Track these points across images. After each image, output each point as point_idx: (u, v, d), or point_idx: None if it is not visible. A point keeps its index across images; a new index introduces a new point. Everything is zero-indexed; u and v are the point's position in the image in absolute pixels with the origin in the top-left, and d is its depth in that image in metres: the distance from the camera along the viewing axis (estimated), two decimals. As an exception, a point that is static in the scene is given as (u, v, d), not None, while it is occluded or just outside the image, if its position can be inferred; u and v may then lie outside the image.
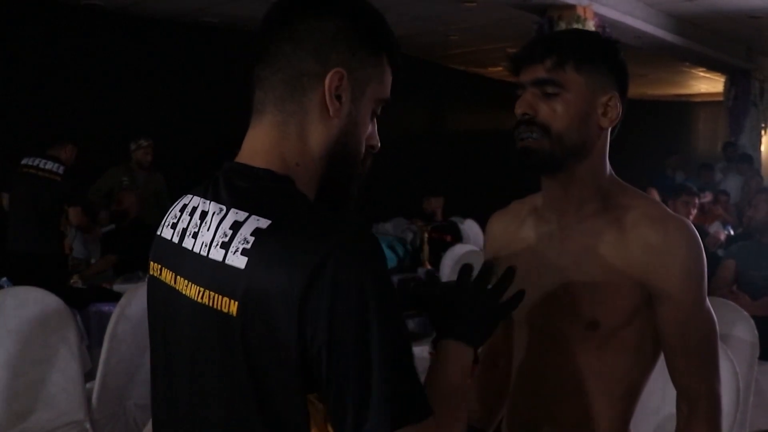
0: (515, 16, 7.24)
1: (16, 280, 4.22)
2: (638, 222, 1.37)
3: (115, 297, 4.14)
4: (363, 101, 1.11)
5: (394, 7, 7.05)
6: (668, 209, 1.41)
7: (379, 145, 1.16)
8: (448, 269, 5.23)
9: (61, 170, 5.03)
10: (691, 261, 1.36)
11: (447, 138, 11.22)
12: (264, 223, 1.00)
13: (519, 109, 1.37)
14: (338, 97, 1.08)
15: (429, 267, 6.17)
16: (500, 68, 10.92)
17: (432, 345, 3.72)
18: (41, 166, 5.03)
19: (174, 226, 1.14)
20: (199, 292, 1.04)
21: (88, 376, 3.33)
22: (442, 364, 1.16)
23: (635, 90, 12.92)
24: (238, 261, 0.99)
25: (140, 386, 3.33)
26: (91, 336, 4.29)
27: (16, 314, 3.09)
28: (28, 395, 3.07)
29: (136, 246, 5.36)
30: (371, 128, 1.15)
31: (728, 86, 10.68)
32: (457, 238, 6.71)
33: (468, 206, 8.17)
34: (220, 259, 1.02)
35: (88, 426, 3.10)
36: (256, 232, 0.99)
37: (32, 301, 3.13)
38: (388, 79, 1.14)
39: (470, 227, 7.49)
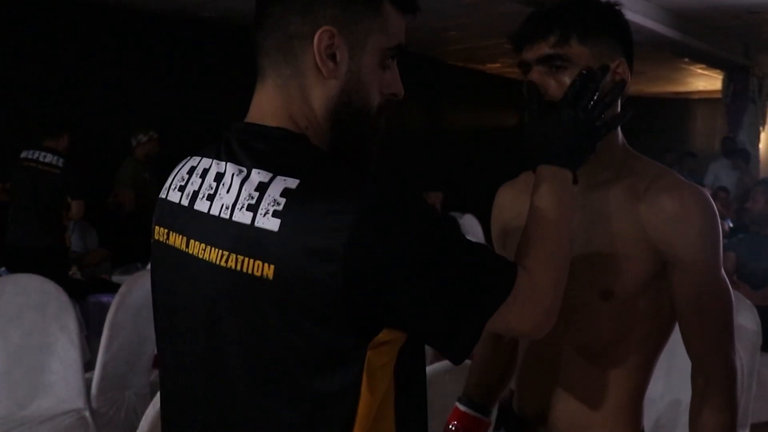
0: (514, 11, 7.22)
1: (16, 272, 4.20)
2: (652, 189, 1.35)
3: (114, 288, 4.12)
4: (364, 56, 1.06)
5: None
6: (682, 177, 1.39)
7: (403, 92, 1.12)
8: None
9: (60, 162, 4.99)
10: (706, 228, 1.34)
11: (445, 134, 11.20)
12: (292, 183, 0.97)
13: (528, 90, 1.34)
14: (332, 57, 1.04)
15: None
16: (498, 64, 10.91)
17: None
18: (41, 159, 4.98)
19: (182, 188, 1.11)
20: (222, 255, 1.01)
21: (87, 366, 3.31)
22: (536, 190, 1.18)
23: (633, 87, 12.87)
24: (270, 223, 0.97)
25: (140, 375, 3.31)
26: (90, 327, 4.27)
27: (15, 302, 3.07)
28: (28, 383, 3.06)
29: (134, 239, 5.37)
30: (390, 76, 1.10)
31: (726, 83, 10.66)
32: (456, 232, 6.71)
33: (467, 201, 8.16)
34: (248, 221, 0.99)
35: (87, 414, 3.08)
36: (285, 193, 0.97)
37: (32, 289, 3.11)
38: (395, 24, 1.08)
39: (469, 222, 7.49)
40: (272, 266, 0.96)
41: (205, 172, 1.09)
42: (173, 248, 1.10)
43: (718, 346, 1.37)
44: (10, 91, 6.51)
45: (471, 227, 7.35)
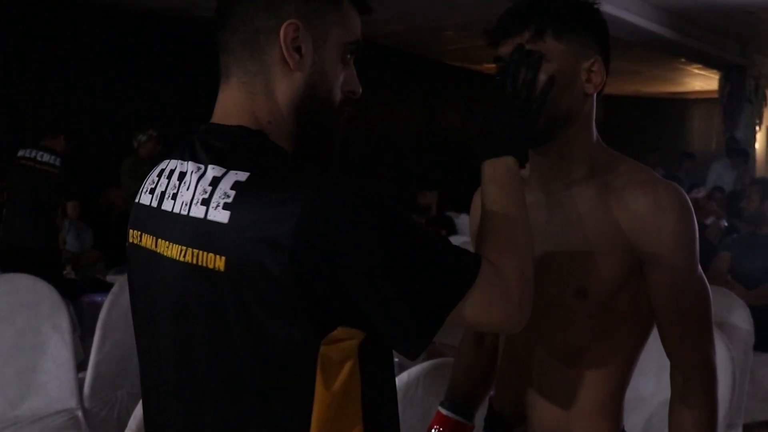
0: (510, 10, 7.21)
1: (9, 272, 4.18)
2: (627, 187, 1.34)
3: (108, 288, 4.11)
4: (327, 49, 1.09)
5: (387, 3, 7.03)
6: (657, 174, 1.38)
7: (360, 90, 1.14)
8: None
9: (58, 162, 4.98)
10: (681, 225, 1.32)
11: (442, 134, 11.20)
12: (243, 176, 0.99)
13: None
14: (298, 49, 1.06)
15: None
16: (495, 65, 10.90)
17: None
18: (39, 158, 4.98)
19: (152, 191, 1.13)
20: (181, 251, 1.03)
21: (81, 366, 3.30)
22: (482, 186, 1.18)
23: (630, 87, 12.92)
24: (221, 216, 0.98)
25: (133, 375, 3.30)
26: (84, 327, 4.27)
27: (7, 301, 3.06)
28: (20, 383, 3.05)
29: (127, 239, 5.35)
30: (347, 73, 1.12)
31: (723, 83, 10.67)
32: (452, 231, 6.72)
33: (462, 201, 8.16)
34: (202, 215, 1.01)
35: (79, 414, 3.07)
36: (236, 186, 0.99)
37: (24, 288, 3.10)
38: (353, 21, 1.12)
39: (465, 221, 7.48)
40: (223, 258, 0.98)
41: (171, 173, 1.11)
42: (145, 249, 1.12)
43: (696, 344, 1.36)
44: (8, 90, 6.51)
45: (466, 226, 7.34)
